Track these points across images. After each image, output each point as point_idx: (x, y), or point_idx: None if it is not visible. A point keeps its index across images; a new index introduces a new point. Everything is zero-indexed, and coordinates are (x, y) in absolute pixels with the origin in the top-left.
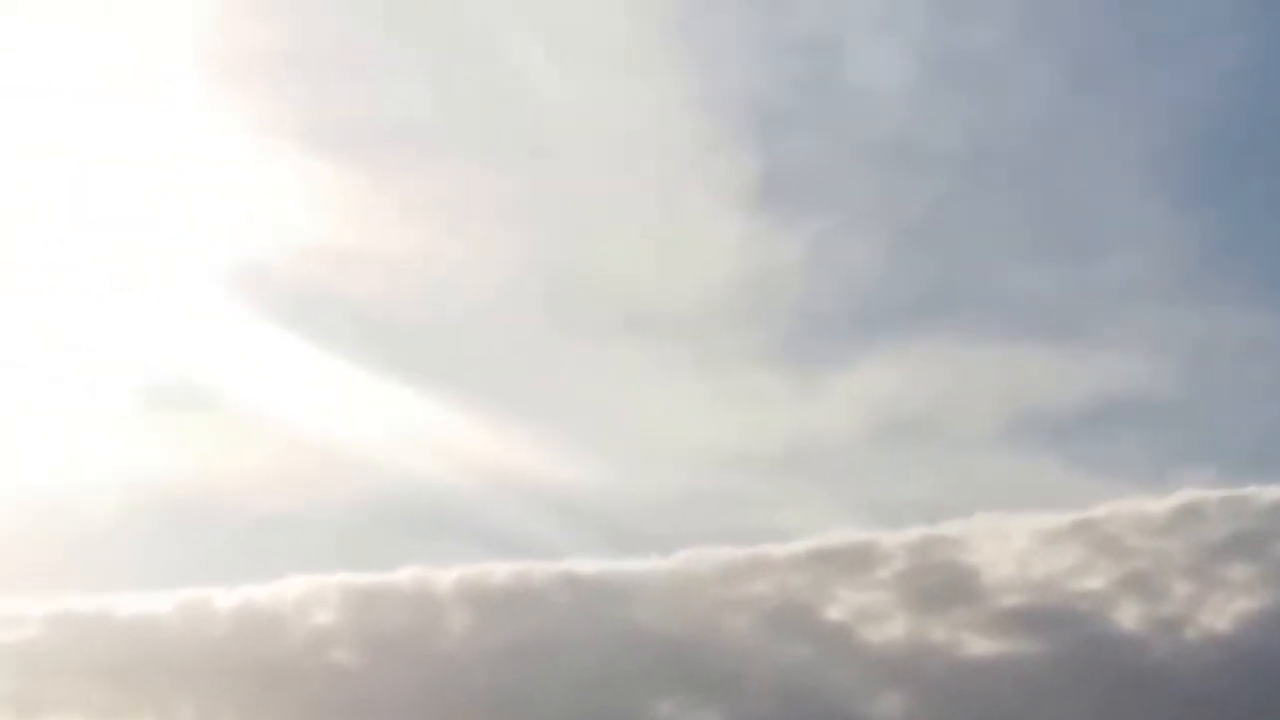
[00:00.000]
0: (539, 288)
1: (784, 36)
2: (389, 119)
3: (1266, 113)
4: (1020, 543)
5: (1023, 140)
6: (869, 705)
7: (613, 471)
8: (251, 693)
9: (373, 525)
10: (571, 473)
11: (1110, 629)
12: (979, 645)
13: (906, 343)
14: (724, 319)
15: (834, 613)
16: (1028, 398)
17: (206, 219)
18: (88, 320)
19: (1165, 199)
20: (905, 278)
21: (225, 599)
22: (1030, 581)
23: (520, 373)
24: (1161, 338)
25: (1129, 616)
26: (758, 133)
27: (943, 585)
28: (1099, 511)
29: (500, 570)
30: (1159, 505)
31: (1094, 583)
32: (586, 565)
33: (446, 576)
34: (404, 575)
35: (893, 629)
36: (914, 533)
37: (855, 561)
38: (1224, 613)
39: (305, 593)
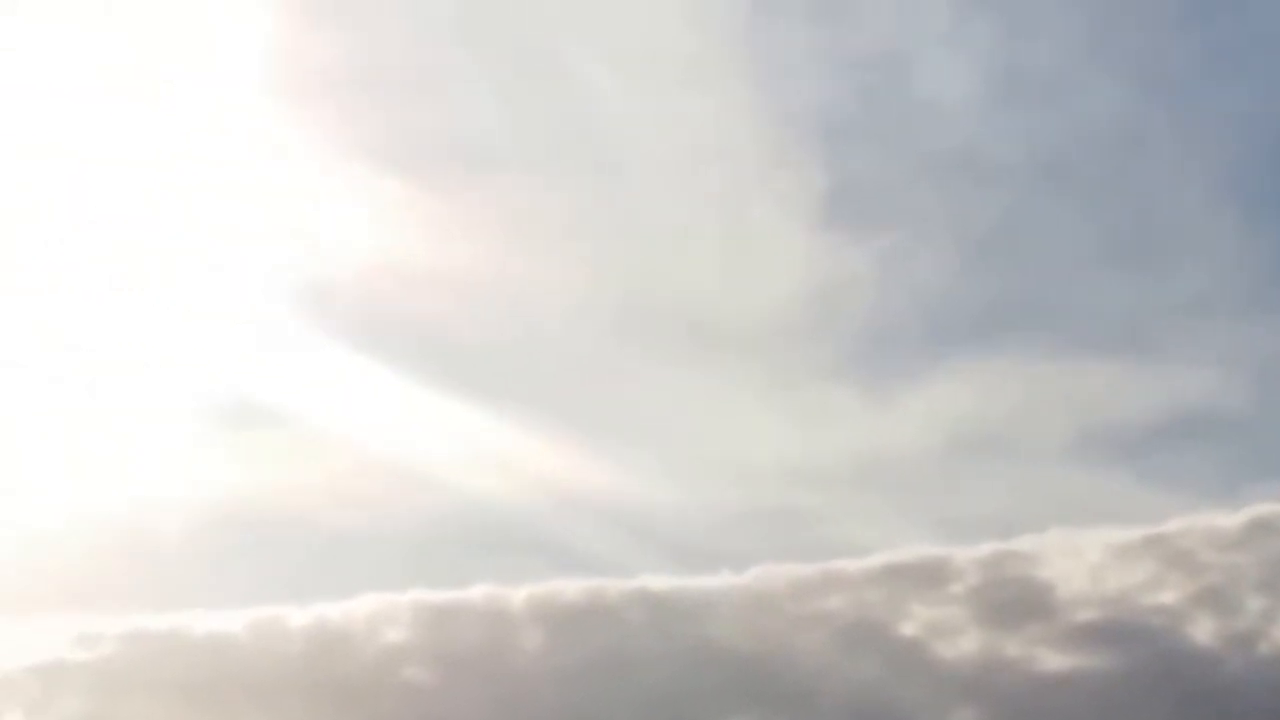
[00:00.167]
0: (606, 304)
1: (850, 50)
2: (455, 137)
3: None
4: (1093, 558)
5: (1091, 153)
6: None
7: (683, 488)
8: (324, 711)
9: (444, 543)
10: (641, 489)
11: (1183, 644)
12: (1052, 660)
13: (976, 357)
14: (792, 334)
15: (907, 628)
16: (1099, 412)
17: (275, 238)
18: (158, 340)
19: (1235, 211)
20: (974, 292)
21: (298, 617)
22: (1103, 597)
23: (588, 389)
24: (1233, 351)
25: (1202, 631)
26: (824, 147)
27: (1016, 600)
28: (1171, 526)
29: (572, 587)
30: (1231, 520)
31: (1167, 598)
32: (659, 582)
33: (518, 594)
34: (476, 593)
35: (966, 644)
36: (986, 548)
37: (928, 577)
38: None
39: (377, 610)
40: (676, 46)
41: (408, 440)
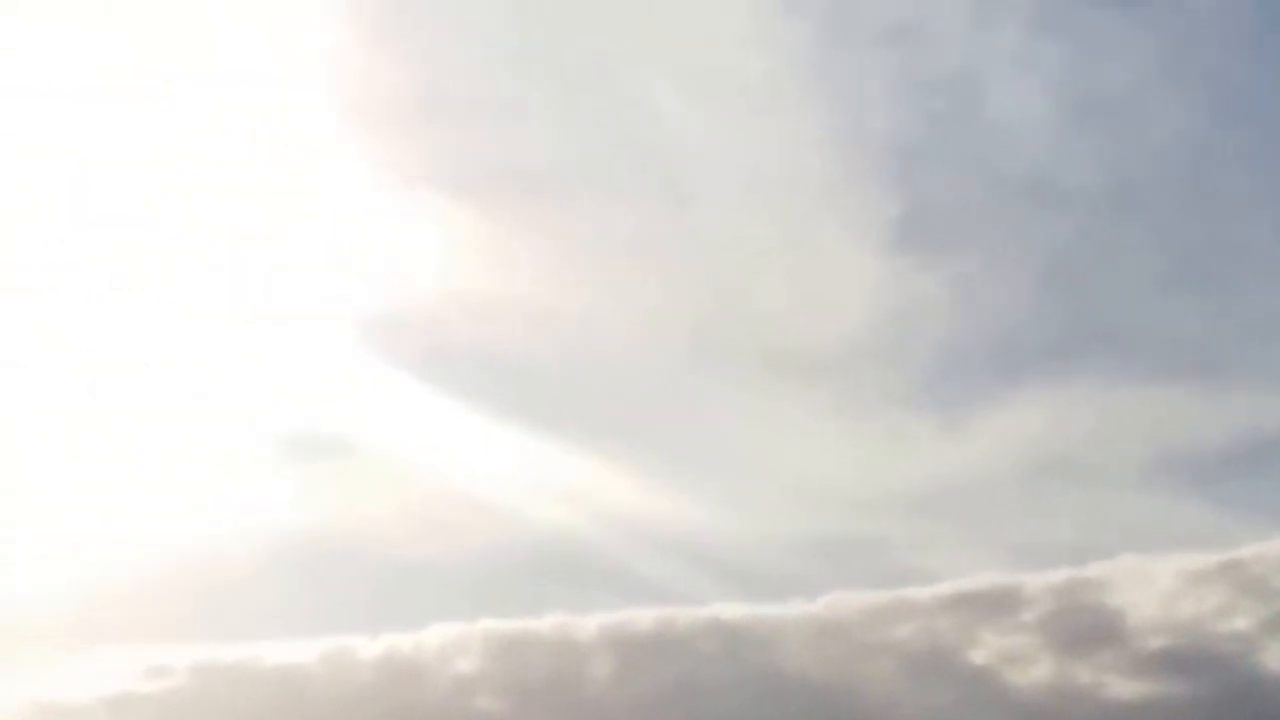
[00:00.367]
0: (676, 331)
1: (922, 75)
2: (524, 164)
3: None
4: (1165, 584)
5: (1163, 176)
6: None
7: (753, 515)
8: None
9: (514, 572)
10: (712, 517)
11: (1256, 670)
12: (1124, 688)
13: (1048, 382)
14: (864, 360)
15: (978, 656)
16: (1172, 437)
17: (343, 267)
18: (228, 372)
19: None
20: (1046, 316)
21: (369, 647)
22: (1176, 623)
23: (659, 417)
24: None
25: (1275, 659)
26: (896, 172)
27: (1087, 627)
28: (1245, 552)
29: (644, 616)
30: None
31: (1240, 624)
32: (731, 610)
33: (589, 623)
34: (547, 622)
35: (1037, 672)
36: (1058, 575)
37: (999, 604)
38: None
39: (448, 640)
40: (746, 70)
41: (477, 470)
